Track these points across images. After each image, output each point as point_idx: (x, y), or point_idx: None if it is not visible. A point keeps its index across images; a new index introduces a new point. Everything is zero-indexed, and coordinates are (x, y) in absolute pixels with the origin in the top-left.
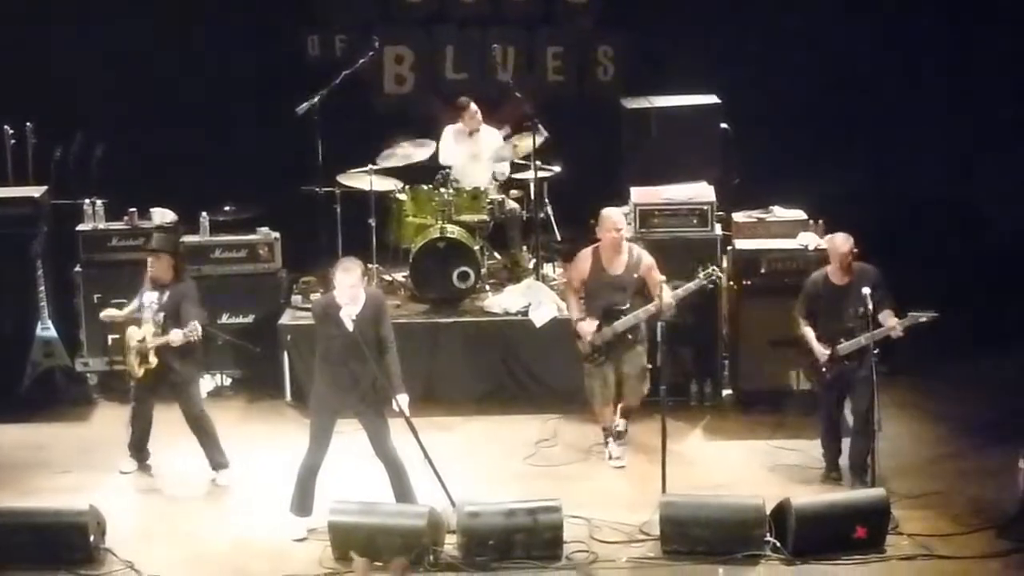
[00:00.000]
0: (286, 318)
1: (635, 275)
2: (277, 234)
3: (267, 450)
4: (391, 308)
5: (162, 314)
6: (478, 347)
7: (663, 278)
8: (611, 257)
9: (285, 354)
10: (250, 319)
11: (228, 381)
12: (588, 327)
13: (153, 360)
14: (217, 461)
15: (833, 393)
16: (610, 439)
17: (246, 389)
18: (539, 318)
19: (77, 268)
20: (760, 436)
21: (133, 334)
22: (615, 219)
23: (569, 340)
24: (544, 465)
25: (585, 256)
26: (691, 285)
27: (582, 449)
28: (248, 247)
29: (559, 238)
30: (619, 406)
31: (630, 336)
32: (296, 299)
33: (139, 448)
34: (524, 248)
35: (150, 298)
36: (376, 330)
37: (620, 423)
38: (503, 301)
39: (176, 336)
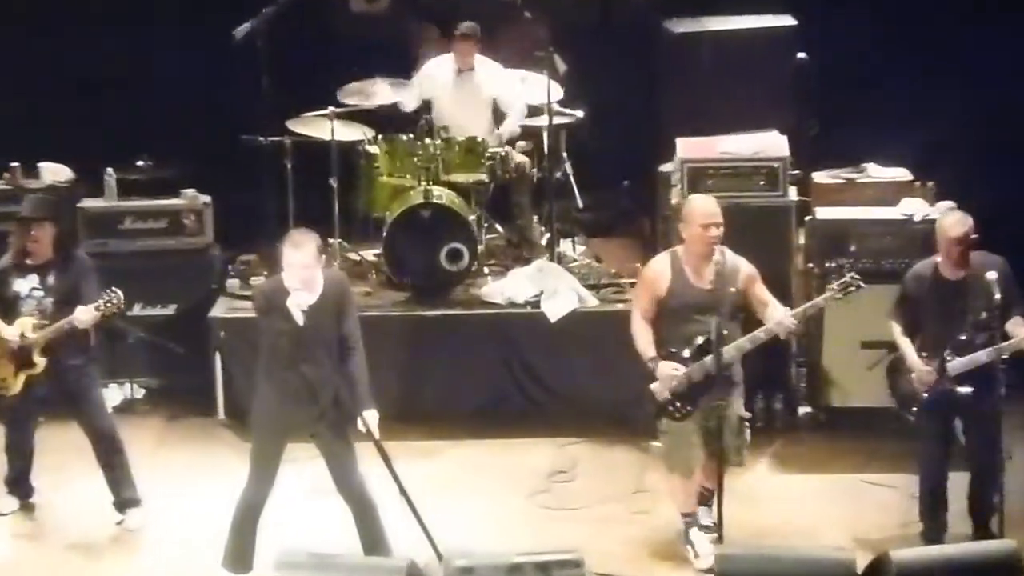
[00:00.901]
0: (219, 309)
1: (732, 288)
2: (207, 198)
3: (193, 484)
4: (358, 297)
5: (49, 300)
6: (473, 349)
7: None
8: (699, 265)
9: (217, 357)
10: (171, 310)
11: (141, 393)
12: (669, 370)
13: (39, 362)
14: (126, 498)
15: (938, 424)
16: (693, 528)
17: (165, 403)
18: (554, 311)
19: None
20: (848, 467)
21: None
22: (709, 209)
23: (595, 340)
24: (558, 508)
25: (660, 266)
26: (819, 301)
27: (609, 483)
28: (169, 215)
29: (581, 205)
30: (703, 484)
31: (726, 375)
32: (232, 284)
33: (19, 483)
34: (535, 218)
35: (26, 283)
36: (337, 325)
37: (707, 516)
38: (507, 288)
39: (85, 315)
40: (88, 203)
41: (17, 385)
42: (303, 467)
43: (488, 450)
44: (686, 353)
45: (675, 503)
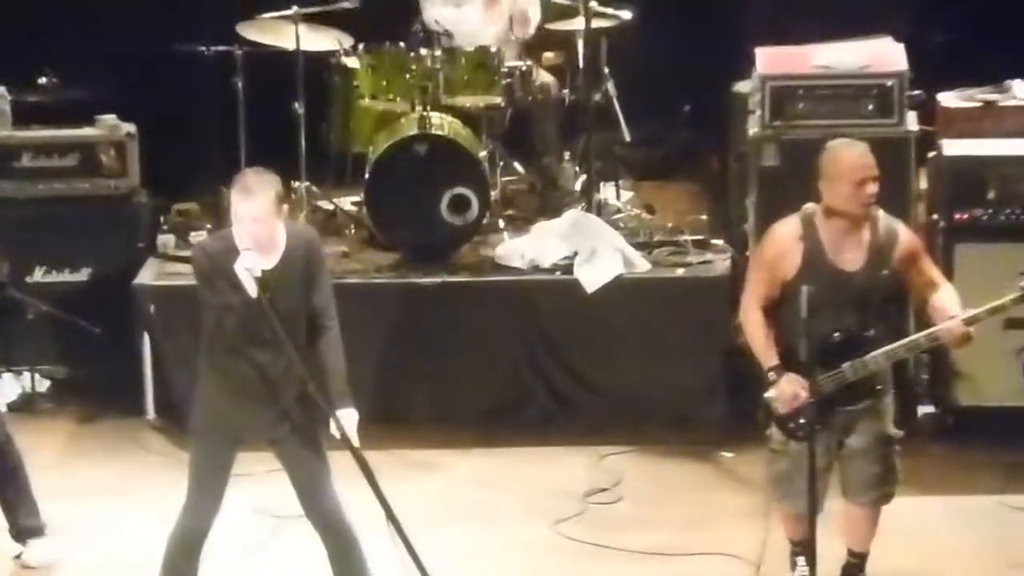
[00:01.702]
0: (147, 275)
1: (883, 271)
2: (131, 127)
3: (113, 506)
4: (332, 259)
5: None
6: (485, 329)
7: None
8: (843, 237)
9: (145, 338)
10: (83, 276)
11: (44, 385)
12: (793, 389)
13: None
14: (24, 526)
15: None
16: (800, 559)
17: (76, 399)
18: (592, 278)
19: None
20: (982, 486)
21: None
22: (863, 159)
23: (645, 317)
24: (597, 541)
25: (788, 236)
26: (1004, 302)
27: (666, 506)
28: (81, 150)
29: (628, 137)
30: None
31: (871, 386)
32: (165, 241)
33: None
34: (566, 156)
35: None
36: (304, 297)
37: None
38: (530, 249)
39: None
40: None
41: None
42: (259, 485)
43: (504, 463)
44: (815, 359)
45: (787, 529)
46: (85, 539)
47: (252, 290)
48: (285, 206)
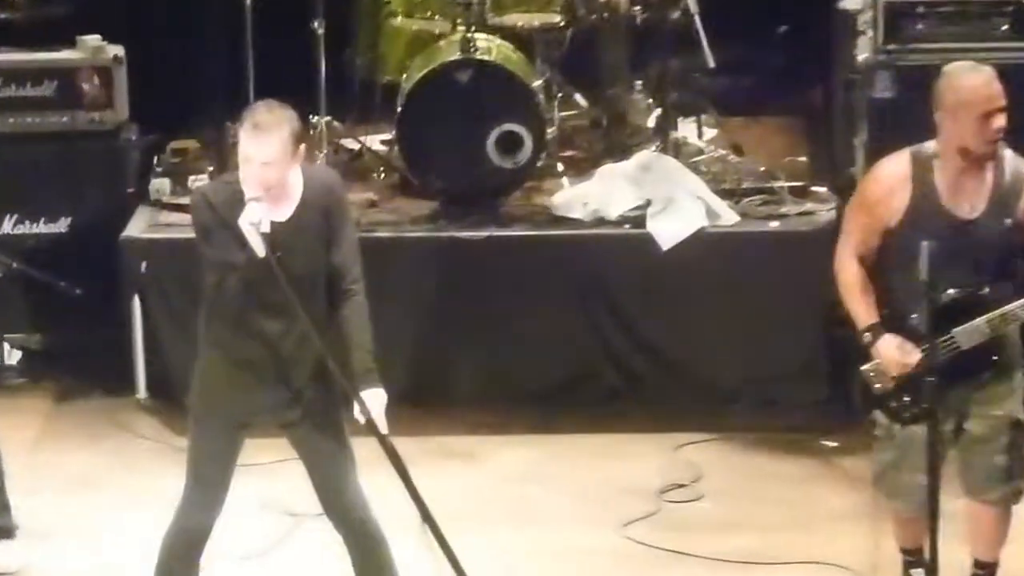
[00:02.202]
0: (138, 226)
1: (1006, 220)
2: (119, 50)
3: (97, 500)
4: (358, 210)
5: None
6: (539, 292)
7: None
8: (960, 180)
9: (136, 302)
10: (62, 228)
11: (15, 357)
12: (895, 351)
13: None
14: None
15: None
16: (918, 571)
17: (54, 374)
18: (668, 232)
19: None
20: None
21: None
22: (989, 88)
23: (732, 280)
24: (669, 551)
25: (894, 176)
26: None
27: (756, 505)
28: (59, 76)
29: (711, 64)
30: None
31: (991, 358)
32: (159, 186)
33: None
34: (637, 86)
35: None
36: (323, 255)
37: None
38: (593, 196)
39: None
40: None
41: None
42: (269, 477)
43: (561, 452)
44: (926, 324)
45: (896, 533)
46: (63, 540)
47: (260, 248)
48: (302, 146)
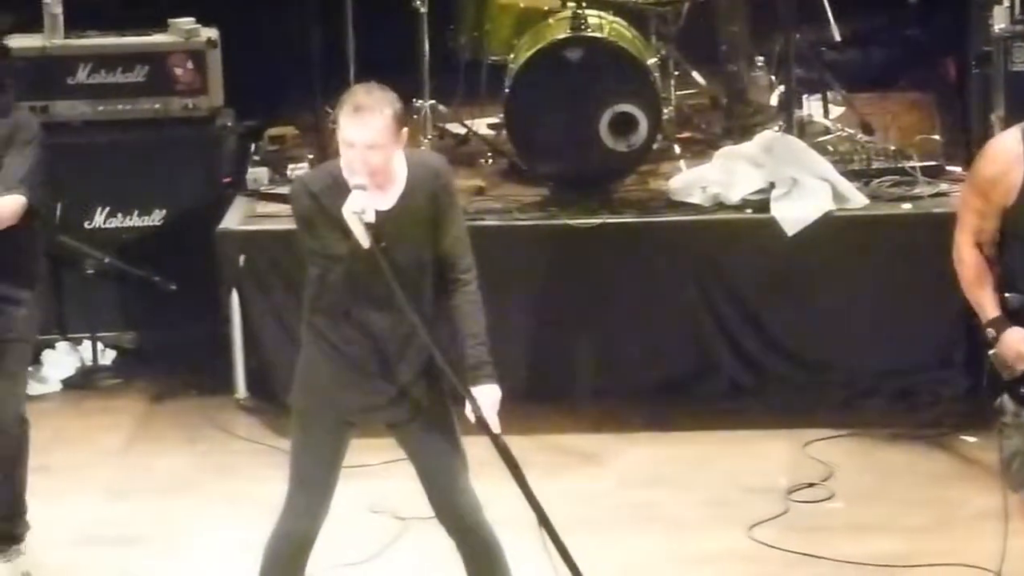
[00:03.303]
0: (235, 217)
1: None
2: (213, 32)
3: (194, 504)
4: (465, 196)
5: None
6: (655, 282)
7: None
8: None
9: (234, 297)
10: (156, 220)
11: (109, 357)
12: (1020, 343)
13: None
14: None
15: None
16: None
17: (148, 373)
18: (793, 216)
19: None
20: None
21: None
22: None
23: (863, 266)
24: (799, 554)
25: (1008, 151)
26: None
27: (894, 505)
28: (150, 61)
29: (838, 37)
30: None
31: None
32: (257, 175)
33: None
34: (759, 61)
35: None
36: (430, 246)
37: None
38: (712, 180)
39: (12, 201)
40: (17, 42)
41: None
42: (376, 479)
43: (682, 450)
44: None
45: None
46: (156, 546)
47: (363, 239)
48: (404, 129)
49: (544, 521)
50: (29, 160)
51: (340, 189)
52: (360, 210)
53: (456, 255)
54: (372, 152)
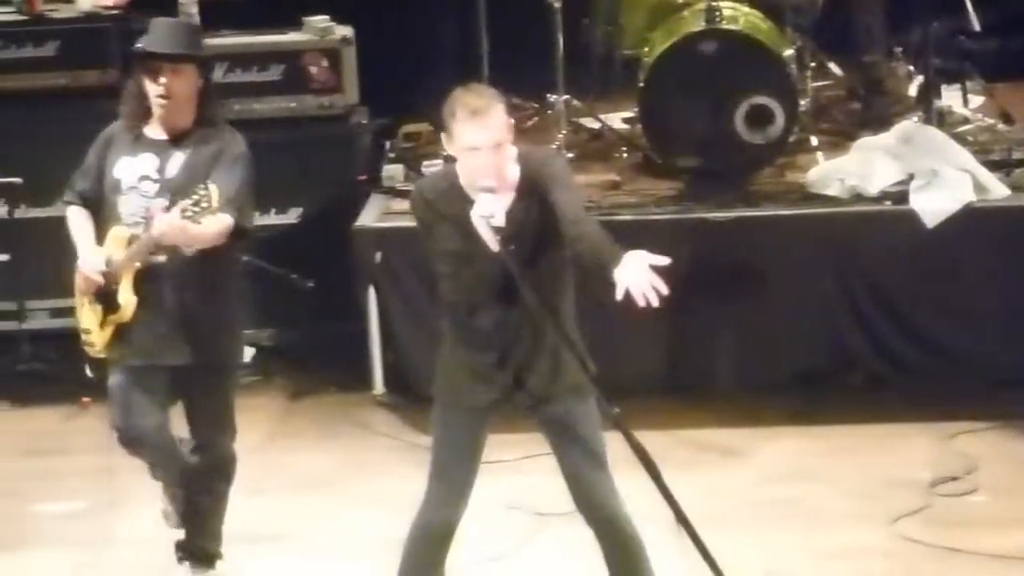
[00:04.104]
0: (371, 215)
1: None
2: (348, 30)
3: (334, 500)
4: (599, 191)
5: (167, 193)
6: (793, 275)
7: None
8: None
9: (371, 294)
10: (292, 218)
11: (248, 354)
12: None
13: (125, 302)
14: (199, 548)
15: None
16: None
17: (284, 371)
18: (933, 208)
19: None
20: None
21: (91, 261)
22: None
23: (1006, 258)
24: (943, 548)
25: None
26: None
27: None
28: (285, 60)
29: (977, 26)
30: None
31: None
32: (392, 172)
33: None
34: (897, 51)
35: (135, 166)
36: (552, 233)
37: None
38: (850, 172)
39: (163, 222)
40: None
41: (102, 340)
42: (515, 474)
43: (823, 444)
44: None
45: None
46: (295, 543)
47: (492, 243)
48: (511, 123)
49: (681, 518)
50: (237, 179)
51: (457, 193)
52: (489, 214)
53: (572, 210)
54: (498, 151)
